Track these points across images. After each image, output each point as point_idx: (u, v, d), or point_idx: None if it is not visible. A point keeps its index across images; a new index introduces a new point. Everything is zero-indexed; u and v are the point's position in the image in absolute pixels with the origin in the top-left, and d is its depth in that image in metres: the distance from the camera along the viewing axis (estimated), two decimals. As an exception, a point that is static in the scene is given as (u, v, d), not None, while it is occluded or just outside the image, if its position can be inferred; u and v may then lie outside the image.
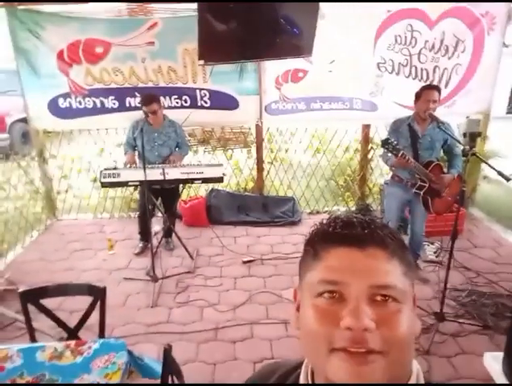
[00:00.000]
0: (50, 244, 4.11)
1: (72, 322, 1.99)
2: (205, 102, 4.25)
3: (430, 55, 4.11)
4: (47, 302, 1.95)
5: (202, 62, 3.34)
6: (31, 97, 4.16)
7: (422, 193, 3.10)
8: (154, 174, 3.28)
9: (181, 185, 3.75)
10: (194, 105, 4.23)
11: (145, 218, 3.57)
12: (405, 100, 4.08)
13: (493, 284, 3.23)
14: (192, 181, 3.52)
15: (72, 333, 1.96)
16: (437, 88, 3.02)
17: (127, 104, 4.18)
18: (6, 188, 4.04)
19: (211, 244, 4.04)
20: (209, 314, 2.98)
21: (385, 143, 2.86)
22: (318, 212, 4.76)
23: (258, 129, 4.44)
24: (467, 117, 4.37)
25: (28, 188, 4.37)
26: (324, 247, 0.58)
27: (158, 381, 1.56)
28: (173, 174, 3.38)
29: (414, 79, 4.18)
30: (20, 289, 1.94)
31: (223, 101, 4.24)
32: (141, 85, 4.09)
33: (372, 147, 4.64)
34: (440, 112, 3.08)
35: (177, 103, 4.22)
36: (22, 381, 1.50)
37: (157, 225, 4.13)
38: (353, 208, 4.76)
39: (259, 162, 4.62)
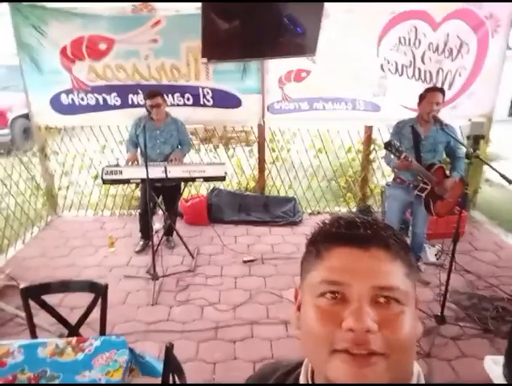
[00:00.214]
0: (51, 240, 4.11)
1: (72, 319, 1.98)
2: (208, 100, 4.24)
3: (434, 57, 4.10)
4: (48, 299, 1.95)
5: (205, 60, 3.33)
6: (34, 93, 4.16)
7: (424, 195, 3.09)
8: (156, 171, 3.28)
9: (183, 183, 3.75)
10: (196, 103, 4.23)
11: (146, 216, 3.56)
12: (408, 101, 4.08)
13: (494, 287, 3.22)
14: (193, 179, 3.52)
15: (73, 329, 1.96)
16: (441, 90, 3.01)
17: (130, 101, 4.17)
18: (7, 184, 4.03)
19: (212, 243, 4.03)
20: (209, 313, 2.98)
21: (388, 145, 2.86)
22: (319, 213, 4.75)
23: (260, 128, 4.43)
24: (469, 120, 4.37)
25: (29, 184, 4.36)
26: (326, 247, 0.57)
27: (159, 380, 1.56)
28: (175, 172, 3.38)
29: (417, 80, 4.17)
30: (21, 285, 1.94)
31: (226, 100, 4.23)
32: (144, 82, 4.08)
33: (374, 148, 4.63)
34: (443, 115, 3.07)
35: (179, 101, 4.21)
36: (24, 377, 1.50)
37: (158, 223, 4.12)
38: (354, 209, 4.76)
39: (261, 161, 4.62)
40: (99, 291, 1.94)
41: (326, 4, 3.33)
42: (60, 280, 2.01)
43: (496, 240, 4.09)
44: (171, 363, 1.56)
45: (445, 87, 4.03)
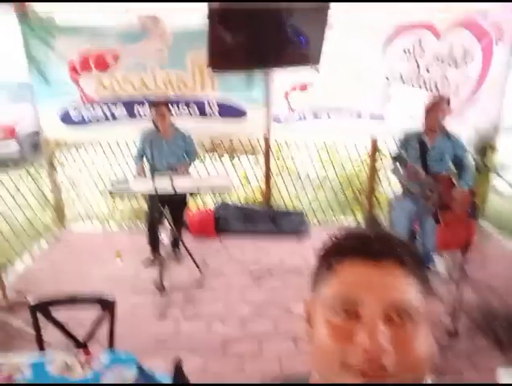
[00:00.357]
0: (58, 253, 4.12)
1: (80, 334, 1.97)
2: (213, 111, 4.27)
3: (438, 66, 4.10)
4: (56, 313, 1.94)
5: (211, 70, 3.37)
6: (43, 106, 4.20)
7: (431, 205, 3.07)
8: (163, 183, 3.29)
9: (188, 194, 3.75)
10: (202, 114, 4.25)
11: (153, 228, 3.58)
12: (413, 110, 4.07)
13: (506, 299, 3.17)
14: (200, 190, 3.52)
15: (81, 345, 1.95)
16: (447, 100, 3.01)
17: (136, 113, 4.21)
18: (15, 197, 4.06)
19: (218, 256, 4.02)
20: (217, 327, 2.96)
21: (395, 156, 2.86)
22: (326, 224, 4.73)
23: (266, 139, 4.44)
24: (475, 129, 4.35)
25: (38, 197, 4.39)
26: (338, 260, 0.56)
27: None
28: (181, 183, 3.39)
29: (422, 89, 4.17)
30: (30, 300, 1.94)
31: (231, 111, 4.25)
32: (150, 94, 4.12)
33: (380, 158, 4.62)
34: (449, 124, 3.07)
35: (185, 112, 4.24)
36: (32, 395, 1.49)
37: (165, 237, 4.12)
38: (362, 220, 4.73)
39: (267, 172, 4.62)
40: (107, 306, 1.94)
41: (330, 15, 3.36)
42: (69, 294, 2.01)
43: (506, 250, 4.03)
44: (180, 379, 1.54)
45: (450, 96, 4.02)
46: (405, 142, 3.13)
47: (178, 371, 1.53)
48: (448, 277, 3.42)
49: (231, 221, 4.50)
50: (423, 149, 3.08)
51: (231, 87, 4.15)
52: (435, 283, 3.39)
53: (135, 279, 3.63)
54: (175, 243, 3.92)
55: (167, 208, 3.77)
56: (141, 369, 1.63)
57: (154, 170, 3.24)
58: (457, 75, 4.13)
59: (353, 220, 4.78)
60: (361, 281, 0.53)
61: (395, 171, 3.16)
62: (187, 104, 4.21)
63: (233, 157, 4.67)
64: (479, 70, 4.13)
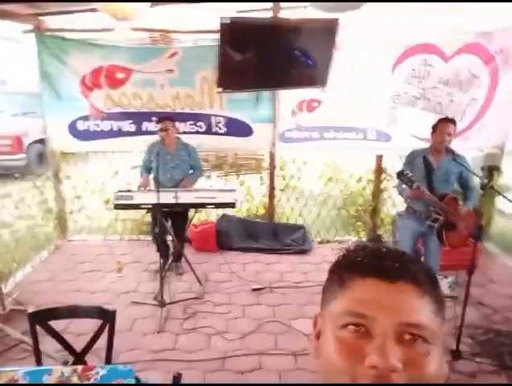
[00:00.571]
0: (59, 264, 4.10)
1: (78, 345, 1.95)
2: (220, 128, 4.31)
3: (445, 90, 4.15)
4: (54, 324, 1.92)
5: (220, 89, 3.42)
6: (51, 119, 4.26)
7: (436, 225, 3.05)
8: (167, 197, 3.30)
9: (193, 209, 3.76)
10: (209, 131, 4.30)
11: (161, 237, 3.59)
12: (419, 132, 4.10)
13: (510, 320, 3.12)
14: (204, 205, 3.53)
15: (79, 357, 1.92)
16: (453, 122, 3.02)
17: (144, 129, 4.26)
18: (20, 207, 4.08)
19: (220, 270, 3.99)
20: (217, 342, 2.92)
21: (400, 175, 2.85)
22: (328, 241, 4.70)
23: (272, 156, 4.47)
24: (480, 151, 4.36)
25: (41, 208, 4.41)
26: (351, 276, 0.55)
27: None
28: (185, 197, 3.40)
29: (428, 112, 4.20)
30: (29, 310, 1.92)
31: (238, 128, 4.30)
32: (158, 110, 4.17)
33: (385, 178, 4.62)
34: (455, 146, 3.07)
35: (192, 128, 4.29)
36: (27, 406, 1.46)
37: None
38: (365, 239, 4.70)
39: (271, 188, 4.63)
40: (107, 317, 1.91)
41: (338, 38, 3.42)
42: (68, 305, 1.99)
43: (511, 272, 3.98)
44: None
45: (457, 119, 4.04)
46: (410, 161, 3.13)
47: (177, 384, 1.50)
48: (453, 298, 3.37)
49: (233, 236, 4.48)
50: (429, 169, 3.07)
51: (239, 105, 4.20)
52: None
53: (135, 291, 3.61)
54: (177, 257, 3.90)
55: (170, 222, 3.78)
56: (139, 382, 1.60)
57: (158, 183, 3.25)
58: (464, 98, 4.17)
59: (356, 239, 4.75)
60: (374, 299, 0.52)
61: (399, 189, 3.15)
62: (195, 121, 4.26)
63: (239, 175, 4.68)
64: (485, 94, 4.17)
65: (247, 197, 4.78)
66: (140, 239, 4.68)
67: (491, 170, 2.87)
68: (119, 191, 3.47)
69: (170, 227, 3.78)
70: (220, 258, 4.12)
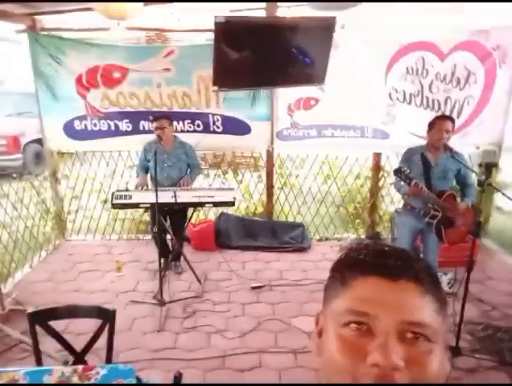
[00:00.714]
0: (58, 264, 4.10)
1: (78, 345, 1.95)
2: (217, 127, 4.31)
3: (441, 86, 4.15)
4: (54, 324, 1.92)
5: (216, 88, 3.41)
6: (48, 119, 4.25)
7: (435, 222, 3.06)
8: (166, 196, 3.30)
9: (192, 208, 3.76)
10: (206, 130, 4.29)
11: (160, 236, 3.59)
12: (416, 129, 4.11)
13: (510, 318, 3.13)
14: (202, 204, 3.53)
15: (79, 357, 1.92)
16: (451, 119, 3.03)
17: (141, 128, 4.25)
18: (17, 207, 4.07)
19: (219, 269, 3.99)
20: (217, 341, 2.92)
21: (397, 172, 2.85)
22: (327, 239, 4.71)
23: (269, 154, 4.47)
24: (477, 148, 4.37)
25: (39, 208, 4.40)
26: (353, 275, 0.55)
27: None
28: (184, 197, 3.40)
29: (425, 109, 4.21)
30: (28, 310, 1.92)
31: (235, 127, 4.29)
32: (155, 109, 4.16)
33: (383, 175, 4.63)
34: (452, 143, 3.08)
35: (190, 127, 4.28)
36: (28, 406, 1.46)
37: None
38: (363, 236, 4.71)
39: (269, 187, 4.63)
40: (107, 317, 1.91)
41: (335, 35, 3.42)
42: (67, 305, 1.98)
43: (509, 268, 4.00)
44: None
45: (454, 115, 4.06)
46: (408, 159, 3.13)
47: (177, 384, 1.50)
48: (452, 295, 3.38)
49: (232, 235, 4.48)
50: (427, 166, 3.07)
51: (236, 104, 4.20)
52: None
53: (134, 291, 3.61)
54: (177, 256, 3.90)
55: (168, 221, 3.77)
56: (139, 381, 1.60)
57: (156, 182, 3.25)
58: (460, 95, 4.18)
59: (354, 236, 4.76)
60: (376, 298, 0.52)
61: (397, 186, 3.15)
62: (192, 120, 4.26)
63: (237, 174, 4.68)
64: (482, 90, 4.17)
65: (245, 195, 4.78)
66: (139, 238, 4.68)
67: (489, 166, 2.88)
68: (117, 191, 3.47)
69: (168, 226, 3.78)
70: (219, 257, 4.12)
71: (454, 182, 3.21)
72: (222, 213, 4.65)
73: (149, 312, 3.25)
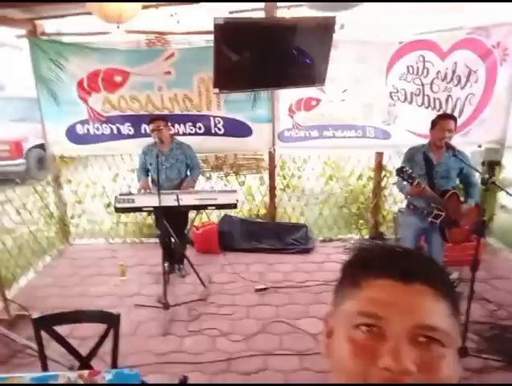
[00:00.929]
0: (62, 269, 4.10)
1: (83, 350, 1.95)
2: (219, 129, 4.31)
3: (442, 85, 4.14)
4: (59, 329, 1.92)
5: (217, 90, 3.41)
6: (50, 124, 4.26)
7: (438, 222, 3.04)
8: (168, 199, 3.30)
9: (195, 211, 3.76)
10: (208, 132, 4.29)
11: (163, 239, 3.60)
12: (418, 128, 4.10)
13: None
14: (205, 207, 3.53)
15: (84, 361, 1.92)
16: (453, 118, 3.02)
17: (142, 131, 4.25)
18: (21, 212, 4.08)
19: (223, 271, 3.99)
20: (222, 344, 2.91)
21: (400, 171, 2.84)
22: (331, 240, 4.69)
23: (271, 155, 4.46)
24: (479, 146, 4.35)
25: (43, 213, 4.41)
26: (365, 276, 0.54)
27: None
28: (187, 200, 3.39)
29: (426, 108, 4.20)
30: (33, 316, 1.92)
31: (236, 129, 4.29)
32: (157, 112, 4.17)
33: (385, 175, 4.62)
34: (455, 142, 3.07)
35: (191, 130, 4.29)
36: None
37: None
38: (367, 236, 4.70)
39: (272, 188, 4.62)
40: (111, 321, 1.91)
41: (335, 35, 3.42)
42: (72, 310, 1.98)
43: (514, 266, 3.98)
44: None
45: (455, 114, 4.05)
46: (410, 158, 3.12)
47: (180, 384, 1.50)
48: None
49: (235, 237, 4.47)
50: (429, 165, 3.06)
51: (237, 106, 4.20)
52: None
53: (139, 294, 3.61)
54: (180, 259, 3.90)
55: (171, 223, 3.77)
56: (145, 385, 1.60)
57: (157, 185, 3.25)
58: (461, 93, 4.16)
59: (358, 237, 4.75)
60: (388, 300, 0.51)
61: (399, 186, 3.14)
62: (194, 123, 4.26)
63: (239, 176, 4.68)
64: (483, 88, 4.16)
65: (248, 197, 4.77)
66: (142, 241, 4.68)
67: (492, 165, 2.86)
68: (120, 195, 3.47)
69: (171, 229, 3.77)
70: (222, 259, 4.12)
71: (457, 181, 3.20)
72: (225, 215, 4.65)
73: (154, 316, 3.25)
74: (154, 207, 3.30)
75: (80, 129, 4.26)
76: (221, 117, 4.26)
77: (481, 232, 2.64)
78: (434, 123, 3.03)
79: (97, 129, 4.26)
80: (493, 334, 2.88)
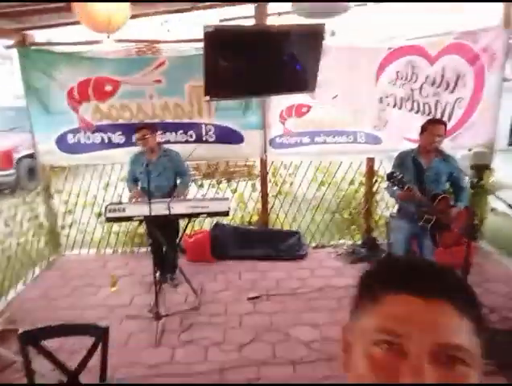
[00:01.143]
0: (52, 280, 4.05)
1: (72, 364, 1.90)
2: (210, 137, 4.30)
3: (431, 90, 4.18)
4: (47, 342, 1.88)
5: (208, 98, 3.41)
6: (40, 133, 4.22)
7: (429, 226, 3.05)
8: (159, 208, 3.27)
9: (186, 219, 3.73)
10: (199, 140, 4.28)
11: (155, 250, 3.57)
12: (408, 133, 4.13)
13: (509, 320, 3.11)
14: (197, 215, 3.50)
15: (73, 376, 1.88)
16: (443, 123, 3.04)
17: (133, 140, 4.21)
18: (10, 224, 4.03)
19: (215, 280, 3.96)
20: (214, 354, 2.88)
21: (390, 176, 2.85)
22: (324, 246, 4.69)
23: (263, 162, 4.46)
24: (469, 150, 4.38)
25: (33, 223, 4.35)
26: (384, 291, 0.52)
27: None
28: (178, 208, 3.37)
29: (416, 113, 4.23)
30: (20, 330, 1.88)
31: (228, 136, 4.29)
32: (148, 121, 4.15)
33: (377, 180, 4.63)
34: (444, 146, 3.09)
35: (183, 138, 4.27)
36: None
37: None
38: (360, 242, 4.70)
39: (264, 195, 4.61)
40: (100, 334, 1.88)
41: (326, 42, 3.44)
42: (59, 323, 1.95)
43: (506, 270, 3.99)
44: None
45: (444, 119, 4.08)
46: (400, 163, 3.13)
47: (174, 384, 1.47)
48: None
49: (228, 245, 4.45)
50: (420, 169, 3.08)
51: (228, 113, 4.20)
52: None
53: (130, 305, 3.56)
54: (172, 267, 3.86)
55: (162, 232, 3.74)
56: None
57: (147, 194, 3.23)
58: (451, 98, 4.20)
59: (351, 242, 4.74)
60: (409, 317, 0.49)
61: (390, 191, 3.15)
62: (185, 130, 4.25)
63: (231, 183, 4.67)
64: (472, 93, 4.20)
65: (240, 204, 4.76)
66: (133, 251, 4.64)
67: (480, 168, 2.88)
68: (111, 204, 3.44)
69: (163, 238, 3.74)
70: (215, 267, 4.09)
71: (447, 185, 3.22)
72: (217, 223, 4.63)
73: (145, 326, 3.21)
74: (144, 216, 3.27)
75: (70, 139, 4.23)
76: (213, 125, 4.26)
77: (472, 236, 2.65)
78: (424, 128, 3.05)
79: (88, 138, 4.23)
80: (485, 338, 2.87)
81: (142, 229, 4.51)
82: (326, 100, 4.12)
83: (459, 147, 4.27)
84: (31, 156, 4.98)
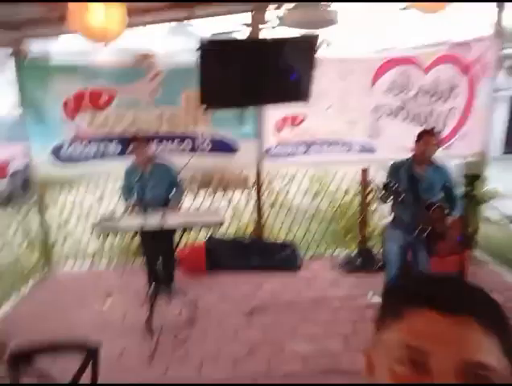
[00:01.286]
0: (44, 295, 3.98)
1: (64, 381, 1.86)
2: (206, 146, 4.29)
3: (425, 100, 4.20)
4: (38, 361, 1.84)
5: (203, 108, 3.41)
6: (35, 144, 4.18)
7: (424, 235, 3.04)
8: (153, 220, 3.24)
9: (180, 231, 3.70)
10: (195, 150, 4.27)
11: (149, 263, 3.53)
12: (402, 142, 4.12)
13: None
14: (191, 226, 3.47)
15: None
16: (437, 133, 3.05)
17: (129, 150, 4.20)
18: (3, 237, 3.98)
19: (210, 293, 3.91)
20: (209, 369, 2.83)
21: (385, 186, 2.85)
22: (319, 256, 4.66)
23: (258, 172, 4.45)
24: (463, 159, 4.40)
25: (25, 237, 4.30)
26: (408, 307, 0.51)
27: None
28: (172, 220, 3.34)
29: (410, 122, 4.24)
30: (9, 350, 1.84)
31: (223, 146, 4.28)
32: (143, 131, 4.13)
33: (372, 189, 4.63)
34: (438, 155, 3.10)
35: (178, 148, 4.26)
36: None
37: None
38: (355, 252, 4.67)
39: (259, 205, 4.59)
40: (89, 353, 1.84)
41: (320, 52, 3.46)
42: (49, 341, 1.91)
43: (501, 279, 3.98)
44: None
45: (438, 128, 4.09)
46: (394, 173, 3.13)
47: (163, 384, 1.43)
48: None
49: (222, 257, 4.40)
50: (414, 179, 3.08)
51: (224, 123, 4.19)
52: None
53: (123, 320, 3.50)
54: (166, 280, 3.81)
55: (157, 244, 3.70)
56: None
57: (142, 206, 3.20)
58: (444, 108, 4.22)
59: (346, 252, 4.72)
60: (434, 333, 0.48)
61: (383, 200, 3.14)
62: (181, 141, 4.24)
63: (226, 191, 4.65)
64: (465, 102, 4.23)
65: (235, 214, 4.74)
66: (127, 265, 4.58)
67: (473, 178, 2.88)
68: (104, 217, 3.41)
69: (157, 251, 3.70)
70: (210, 280, 4.05)
71: (442, 195, 3.22)
72: (212, 235, 4.59)
73: (139, 342, 3.16)
74: (138, 228, 3.24)
75: (66, 149, 4.19)
76: (208, 135, 4.25)
77: (467, 245, 2.64)
78: (418, 138, 3.05)
79: (84, 149, 4.20)
80: None
81: (137, 242, 4.47)
82: (321, 109, 4.13)
83: (453, 156, 4.28)
84: (26, 167, 4.94)
